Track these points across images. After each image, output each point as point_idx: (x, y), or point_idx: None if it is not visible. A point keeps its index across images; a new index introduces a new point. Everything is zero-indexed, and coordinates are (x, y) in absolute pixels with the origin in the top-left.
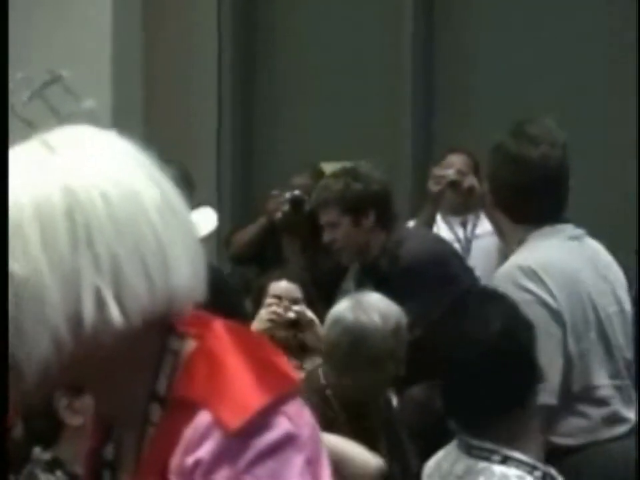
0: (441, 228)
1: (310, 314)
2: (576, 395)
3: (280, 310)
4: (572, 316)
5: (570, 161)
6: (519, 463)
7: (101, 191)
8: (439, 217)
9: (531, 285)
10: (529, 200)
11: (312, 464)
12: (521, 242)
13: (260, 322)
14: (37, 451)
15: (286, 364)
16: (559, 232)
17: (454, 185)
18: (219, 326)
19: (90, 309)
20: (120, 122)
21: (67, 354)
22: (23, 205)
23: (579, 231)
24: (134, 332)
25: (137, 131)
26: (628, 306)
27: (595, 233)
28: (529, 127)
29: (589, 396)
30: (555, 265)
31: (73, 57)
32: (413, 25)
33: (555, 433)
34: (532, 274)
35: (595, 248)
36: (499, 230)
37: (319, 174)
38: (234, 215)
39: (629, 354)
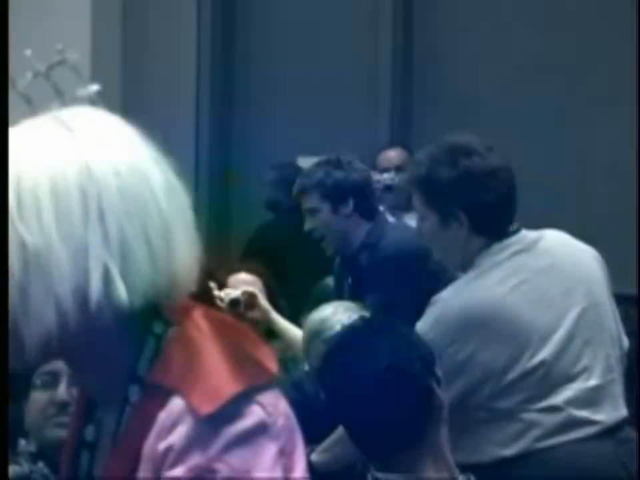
0: None
1: (251, 289)
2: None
3: (222, 293)
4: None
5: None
6: None
7: (114, 169)
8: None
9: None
10: (494, 211)
11: (286, 454)
12: (471, 257)
13: None
14: (22, 442)
15: (265, 354)
16: (508, 247)
17: (389, 189)
18: (198, 313)
19: (97, 284)
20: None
21: (68, 328)
22: (39, 178)
23: (531, 237)
24: (125, 312)
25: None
26: (602, 294)
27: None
28: (463, 140)
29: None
30: (490, 309)
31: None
32: (392, 25)
33: (501, 444)
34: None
35: (554, 250)
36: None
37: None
38: (211, 211)
39: (609, 348)
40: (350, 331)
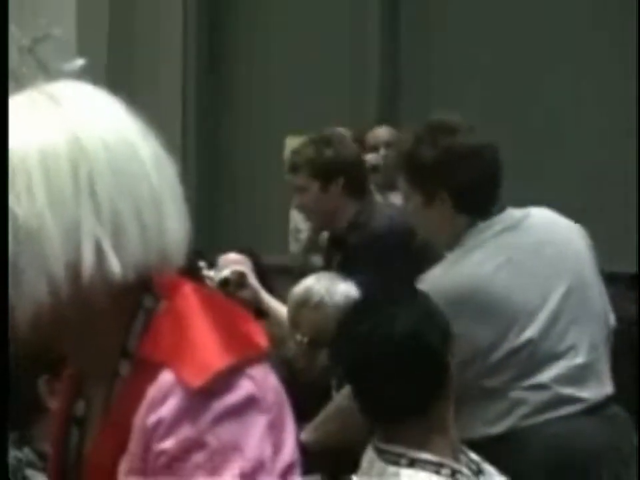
0: None
1: (240, 268)
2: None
3: (211, 273)
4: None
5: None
6: (425, 464)
7: (105, 143)
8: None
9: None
10: (486, 188)
11: (275, 428)
12: (457, 236)
13: None
14: None
15: (255, 329)
16: (494, 226)
17: (376, 169)
18: (187, 288)
19: (89, 258)
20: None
21: (60, 303)
22: (29, 152)
23: (518, 215)
24: (116, 287)
25: None
26: (589, 271)
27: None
28: (445, 120)
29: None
30: (479, 290)
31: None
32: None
33: (488, 422)
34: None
35: (540, 227)
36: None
37: None
38: (199, 188)
39: (595, 326)
40: (371, 296)
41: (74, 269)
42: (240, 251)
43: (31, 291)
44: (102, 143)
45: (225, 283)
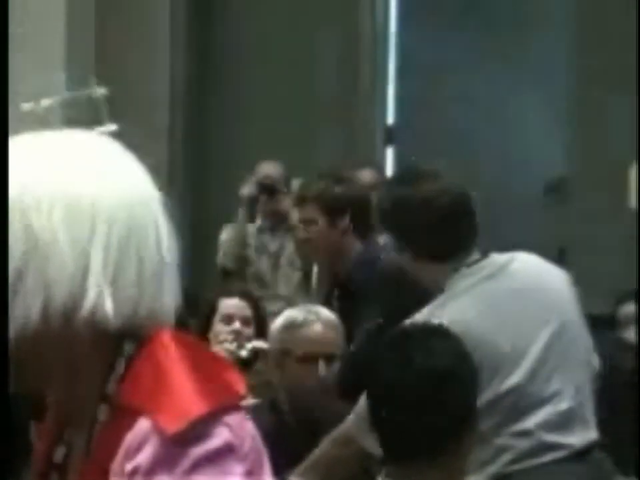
0: None
1: (262, 345)
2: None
3: (233, 347)
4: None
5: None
6: None
7: (127, 191)
8: None
9: None
10: (443, 236)
11: (252, 476)
12: (436, 282)
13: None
14: None
15: (233, 376)
16: (477, 272)
17: None
18: (165, 334)
19: (91, 297)
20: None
21: (47, 330)
22: (53, 182)
23: (502, 261)
24: (102, 331)
25: None
26: (573, 315)
27: None
28: (407, 169)
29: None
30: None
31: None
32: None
33: (471, 470)
34: None
35: (524, 273)
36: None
37: None
38: (185, 210)
39: (579, 371)
40: (405, 330)
41: (73, 301)
42: (241, 296)
43: (24, 305)
44: (125, 204)
45: (245, 362)
